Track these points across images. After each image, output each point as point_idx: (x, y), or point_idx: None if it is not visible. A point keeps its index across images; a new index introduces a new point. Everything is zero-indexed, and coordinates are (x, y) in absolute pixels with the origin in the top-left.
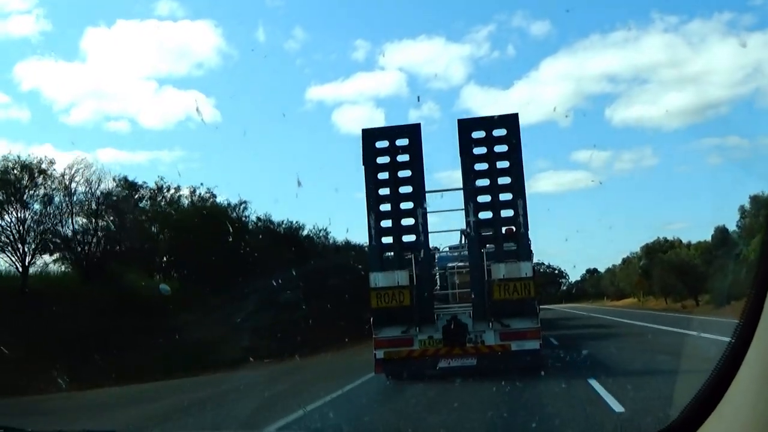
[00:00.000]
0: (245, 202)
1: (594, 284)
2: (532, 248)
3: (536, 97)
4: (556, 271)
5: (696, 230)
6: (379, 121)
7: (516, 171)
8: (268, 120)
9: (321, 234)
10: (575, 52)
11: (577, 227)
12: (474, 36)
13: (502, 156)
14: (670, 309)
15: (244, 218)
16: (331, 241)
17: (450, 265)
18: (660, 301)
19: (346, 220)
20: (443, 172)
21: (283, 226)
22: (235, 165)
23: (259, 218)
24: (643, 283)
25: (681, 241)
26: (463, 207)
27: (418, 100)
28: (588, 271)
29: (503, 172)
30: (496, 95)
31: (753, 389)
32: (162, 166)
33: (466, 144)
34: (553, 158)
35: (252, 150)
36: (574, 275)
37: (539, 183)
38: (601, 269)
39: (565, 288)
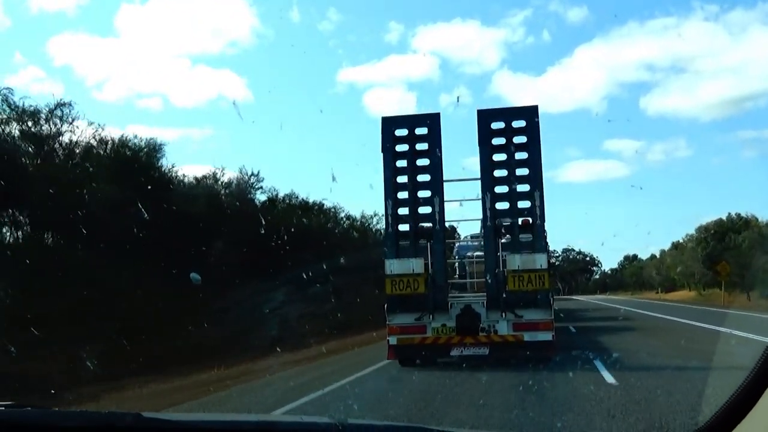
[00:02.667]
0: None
1: (634, 273)
2: (548, 240)
3: (569, 85)
4: (587, 258)
5: None
6: (410, 103)
7: (534, 162)
8: (299, 102)
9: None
10: (611, 39)
11: (608, 216)
12: (510, 20)
13: (520, 147)
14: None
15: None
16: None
17: (468, 254)
18: (735, 296)
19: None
20: (471, 158)
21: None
22: (264, 145)
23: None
24: (727, 269)
25: (757, 218)
26: (480, 197)
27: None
28: (626, 258)
29: (521, 163)
30: (529, 81)
31: None
32: (192, 144)
33: (485, 134)
34: (584, 147)
35: (283, 131)
36: (609, 263)
37: (569, 172)
38: (642, 256)
39: (597, 276)
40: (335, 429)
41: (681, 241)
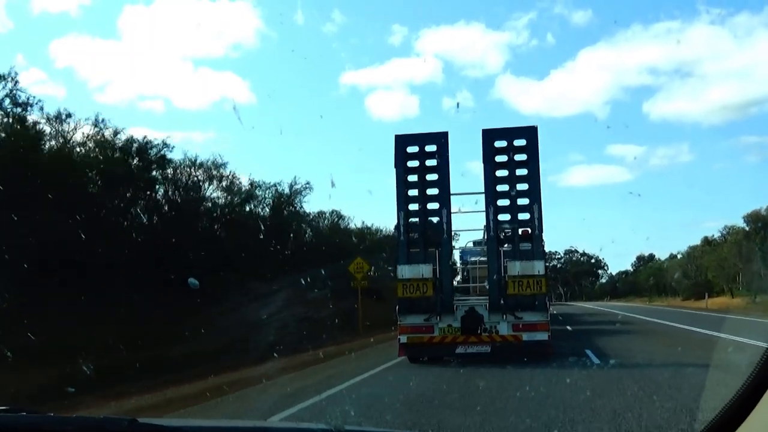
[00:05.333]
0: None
1: (652, 275)
2: (545, 249)
3: (572, 88)
4: (593, 260)
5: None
6: (413, 106)
7: (533, 178)
8: (302, 104)
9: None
10: (616, 42)
11: (611, 220)
12: (514, 23)
13: (521, 164)
14: None
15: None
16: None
17: (473, 259)
18: None
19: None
20: (473, 161)
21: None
22: (267, 148)
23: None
24: None
25: None
26: (484, 209)
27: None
28: (640, 259)
29: (522, 179)
30: (532, 85)
31: None
32: (194, 147)
33: (488, 152)
34: (587, 151)
35: (286, 134)
36: (618, 265)
37: (571, 177)
38: (660, 256)
39: (605, 280)
40: None
41: (716, 236)
